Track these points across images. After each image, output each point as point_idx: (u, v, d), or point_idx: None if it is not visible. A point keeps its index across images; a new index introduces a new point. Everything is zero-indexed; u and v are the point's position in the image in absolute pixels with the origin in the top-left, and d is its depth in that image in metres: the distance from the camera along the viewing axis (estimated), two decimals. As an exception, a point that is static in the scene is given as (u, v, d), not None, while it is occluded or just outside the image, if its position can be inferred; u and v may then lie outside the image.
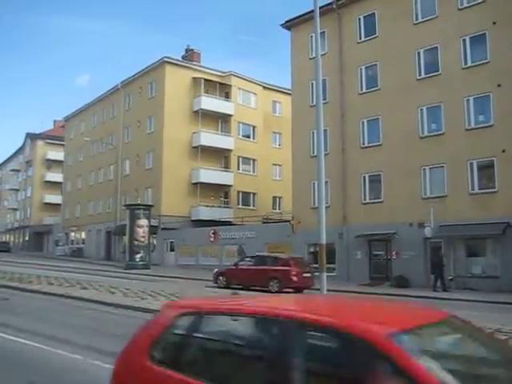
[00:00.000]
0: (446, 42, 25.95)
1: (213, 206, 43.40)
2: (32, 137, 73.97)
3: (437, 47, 26.33)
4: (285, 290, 20.87)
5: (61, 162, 66.12)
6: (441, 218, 24.28)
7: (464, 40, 25.34)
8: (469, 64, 25.15)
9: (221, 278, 23.58)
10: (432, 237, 24.78)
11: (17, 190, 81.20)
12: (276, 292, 20.59)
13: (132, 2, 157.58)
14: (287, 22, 33.59)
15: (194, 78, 44.05)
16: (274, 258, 23.34)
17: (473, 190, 24.49)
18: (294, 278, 21.29)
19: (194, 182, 42.82)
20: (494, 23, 24.14)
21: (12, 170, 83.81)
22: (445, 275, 23.41)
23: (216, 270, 25.46)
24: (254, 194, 46.31)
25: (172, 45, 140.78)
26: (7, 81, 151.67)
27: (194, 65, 45.41)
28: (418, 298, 20.24)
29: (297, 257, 24.90)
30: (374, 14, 29.23)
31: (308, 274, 22.11)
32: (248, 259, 24.68)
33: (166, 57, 43.28)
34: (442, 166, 25.60)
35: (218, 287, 22.63)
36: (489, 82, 24.13)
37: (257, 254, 26.57)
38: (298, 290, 21.12)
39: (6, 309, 13.36)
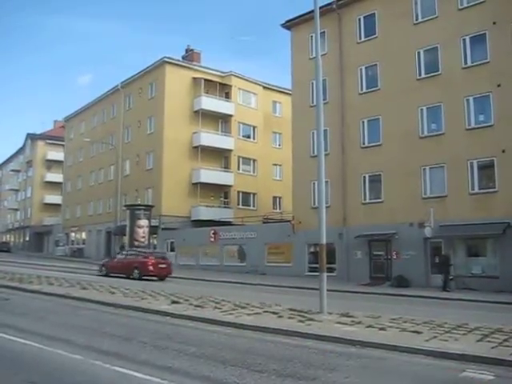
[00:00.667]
0: (446, 42, 25.95)
1: (213, 206, 43.40)
2: (32, 137, 74.00)
3: (437, 47, 26.33)
4: (146, 278, 25.97)
5: (61, 162, 66.13)
6: (441, 217, 24.30)
7: (464, 40, 25.34)
8: (469, 64, 25.15)
9: (103, 268, 28.78)
10: (432, 237, 24.81)
11: (17, 191, 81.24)
12: (137, 279, 25.58)
13: (133, 2, 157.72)
14: (287, 22, 33.60)
15: (194, 78, 44.06)
16: (138, 252, 28.80)
17: (473, 189, 24.49)
18: (151, 268, 26.19)
19: (194, 182, 42.82)
20: (494, 23, 24.15)
21: (12, 171, 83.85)
22: (449, 275, 23.28)
23: (102, 261, 31.29)
24: (254, 194, 46.31)
25: (173, 45, 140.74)
26: (9, 81, 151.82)
27: (194, 65, 45.40)
28: (417, 298, 20.25)
29: (156, 251, 32.71)
30: (374, 14, 29.24)
31: (164, 265, 26.97)
32: (122, 253, 30.03)
33: (166, 57, 43.27)
34: (442, 166, 25.60)
35: (102, 275, 27.59)
36: (489, 82, 24.14)
37: (127, 249, 32.44)
38: (160, 277, 26.44)
39: (7, 309, 13.35)
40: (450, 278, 24.02)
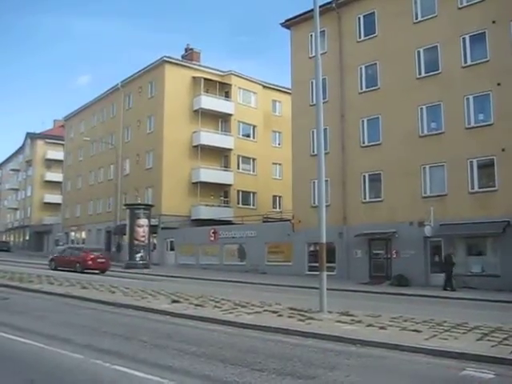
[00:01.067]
0: (445, 41, 25.95)
1: (213, 206, 43.41)
2: (32, 136, 73.99)
3: (437, 46, 26.32)
4: (88, 271, 29.50)
5: (61, 161, 66.11)
6: (441, 216, 24.31)
7: (464, 39, 25.34)
8: (469, 63, 25.15)
9: (52, 262, 32.19)
10: (432, 236, 24.82)
11: (17, 190, 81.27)
12: (79, 272, 29.03)
13: (132, 1, 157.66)
14: (287, 21, 33.58)
15: (194, 78, 44.04)
16: (79, 249, 35.54)
17: (473, 188, 24.49)
18: (90, 263, 30.03)
19: (194, 181, 42.82)
20: (494, 22, 24.16)
21: (12, 170, 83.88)
22: (452, 274, 23.09)
23: (50, 256, 34.60)
24: (253, 193, 46.32)
25: (172, 44, 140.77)
26: (8, 80, 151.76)
27: (194, 64, 45.37)
28: (417, 297, 20.26)
29: (95, 248, 39.56)
30: (373, 13, 29.23)
31: (103, 260, 31.19)
32: (68, 250, 34.51)
33: (165, 56, 43.25)
34: (442, 165, 25.61)
35: (51, 269, 30.89)
36: (489, 81, 24.14)
37: (69, 246, 38.46)
38: (101, 270, 30.26)
39: (7, 308, 13.35)
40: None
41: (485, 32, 24.61)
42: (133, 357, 7.82)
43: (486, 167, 24.45)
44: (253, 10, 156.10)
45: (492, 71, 24.12)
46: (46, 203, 71.68)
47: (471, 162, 24.62)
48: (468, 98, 25.00)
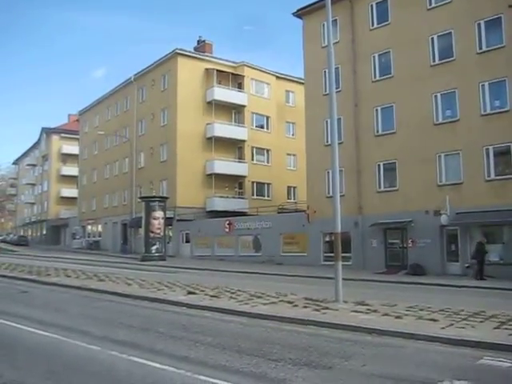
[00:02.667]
0: (460, 27, 25.59)
1: (227, 197, 43.46)
2: (47, 131, 74.53)
3: (451, 32, 25.96)
4: None
5: (76, 155, 66.54)
6: (457, 205, 24.09)
7: (479, 24, 24.93)
8: (484, 49, 24.78)
9: None
10: (448, 224, 24.60)
11: (33, 185, 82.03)
12: None
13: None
14: (299, 10, 33.32)
15: (207, 70, 43.98)
16: None
17: (489, 176, 24.21)
18: None
19: (209, 173, 42.86)
20: (510, 6, 23.69)
21: (28, 165, 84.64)
22: (484, 263, 22.50)
23: None
24: (268, 184, 46.27)
25: (185, 36, 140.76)
26: (23, 74, 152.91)
27: (206, 56, 45.27)
28: (433, 286, 20.16)
29: None
30: (386, 0, 28.90)
31: None
32: None
33: (178, 48, 43.20)
34: (458, 153, 25.34)
35: None
36: (504, 67, 23.77)
37: None
38: None
39: (25, 301, 13.55)
40: (467, 265, 23.89)
41: (500, 17, 24.19)
42: (149, 348, 7.89)
43: (503, 155, 24.14)
44: (264, 1, 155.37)
45: (508, 57, 23.73)
46: (62, 197, 72.28)
47: (487, 149, 24.33)
48: (483, 85, 24.65)
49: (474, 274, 22.47)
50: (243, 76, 45.18)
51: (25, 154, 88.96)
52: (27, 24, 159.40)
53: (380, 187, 28.55)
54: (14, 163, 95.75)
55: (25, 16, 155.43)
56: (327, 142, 28.40)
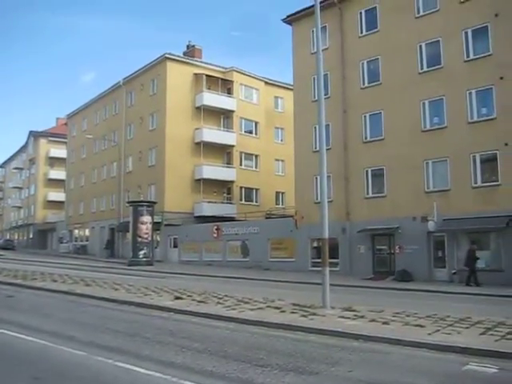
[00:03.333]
0: (447, 35, 25.83)
1: (216, 202, 43.42)
2: (35, 135, 74.07)
3: (439, 40, 26.21)
4: None
5: (64, 159, 66.15)
6: (444, 211, 24.24)
7: (466, 33, 25.20)
8: (471, 57, 25.03)
9: None
10: (435, 231, 24.74)
11: (20, 188, 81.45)
12: None
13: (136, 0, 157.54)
14: (288, 16, 33.48)
15: (196, 74, 43.99)
16: None
17: (476, 183, 24.41)
18: None
19: (197, 178, 42.81)
20: (496, 15, 24.01)
21: (15, 168, 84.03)
22: (475, 269, 22.57)
23: None
24: (256, 189, 46.30)
25: (174, 41, 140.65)
26: (11, 79, 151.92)
27: (196, 61, 45.27)
28: (420, 292, 20.22)
29: None
30: (375, 8, 29.10)
31: None
32: None
33: (167, 53, 43.18)
34: (445, 160, 25.52)
35: None
36: (491, 75, 24.01)
37: None
38: None
39: (11, 306, 13.41)
40: (453, 272, 24.03)
41: (487, 25, 24.46)
42: (135, 353, 7.84)
43: (489, 162, 24.34)
44: (254, 7, 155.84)
45: (495, 65, 23.97)
46: (49, 201, 71.80)
47: (474, 156, 24.53)
48: (471, 93, 24.88)
49: (466, 280, 22.53)
50: (232, 81, 45.24)
51: (12, 158, 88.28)
52: (17, 31, 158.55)
53: (368, 193, 28.67)
54: (0, 167, 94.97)
55: (14, 23, 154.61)
56: (316, 147, 28.46)
